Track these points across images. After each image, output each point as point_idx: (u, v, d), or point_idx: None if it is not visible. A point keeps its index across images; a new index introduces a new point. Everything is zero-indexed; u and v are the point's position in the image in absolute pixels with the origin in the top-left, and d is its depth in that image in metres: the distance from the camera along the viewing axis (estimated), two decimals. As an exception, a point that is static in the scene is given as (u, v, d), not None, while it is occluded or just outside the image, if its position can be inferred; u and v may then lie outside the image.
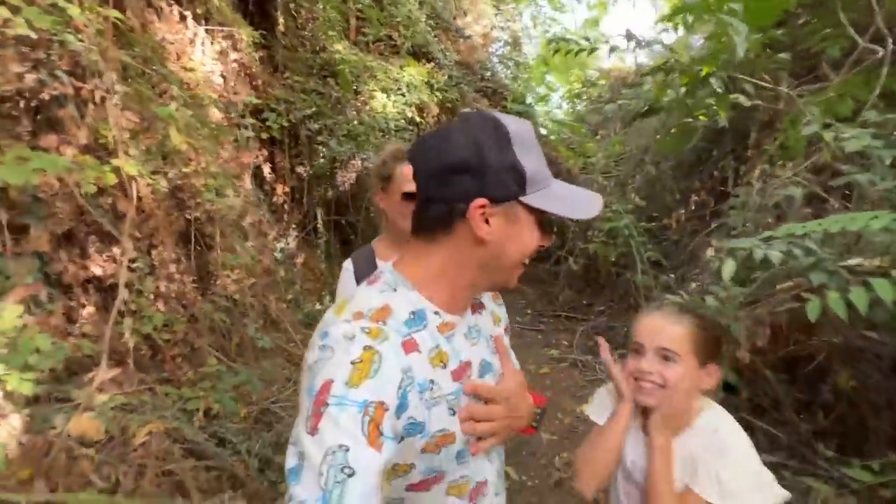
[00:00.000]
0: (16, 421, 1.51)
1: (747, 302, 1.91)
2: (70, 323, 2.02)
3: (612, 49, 2.13)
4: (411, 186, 1.16)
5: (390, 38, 5.44)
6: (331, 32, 4.65)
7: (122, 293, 1.82)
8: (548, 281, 5.92)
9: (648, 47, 2.37)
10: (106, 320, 2.29)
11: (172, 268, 2.77)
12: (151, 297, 2.54)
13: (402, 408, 0.61)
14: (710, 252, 2.05)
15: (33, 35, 1.65)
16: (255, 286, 3.54)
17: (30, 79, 1.83)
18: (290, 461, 0.56)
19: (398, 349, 0.63)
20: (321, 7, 4.47)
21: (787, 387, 2.49)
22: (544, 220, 0.70)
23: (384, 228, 1.36)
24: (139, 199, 2.45)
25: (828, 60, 2.78)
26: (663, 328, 0.88)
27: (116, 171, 1.65)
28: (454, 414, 0.68)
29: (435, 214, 0.67)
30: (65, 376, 2.03)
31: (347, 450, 0.53)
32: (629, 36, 2.03)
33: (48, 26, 1.52)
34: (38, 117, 2.02)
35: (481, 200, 0.65)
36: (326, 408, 0.55)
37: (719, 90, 1.80)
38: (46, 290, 1.86)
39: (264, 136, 3.90)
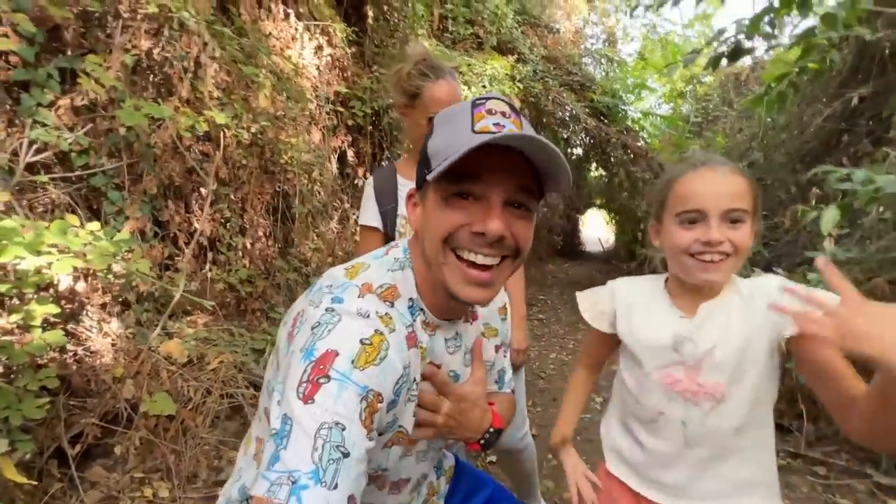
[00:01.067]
0: (116, 325, 1.78)
1: (865, 276, 1.55)
2: (171, 260, 2.34)
3: (715, 63, 1.84)
4: (438, 108, 1.06)
5: (476, 35, 5.53)
6: (419, 30, 4.87)
7: (206, 213, 2.05)
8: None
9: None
10: (201, 267, 2.64)
11: (260, 231, 3.09)
12: (240, 253, 2.86)
13: (393, 403, 0.59)
14: (804, 208, 1.69)
15: (157, 11, 1.97)
16: (333, 263, 3.79)
17: (156, 52, 2.19)
18: (276, 423, 0.52)
19: (403, 342, 0.61)
20: (410, 6, 4.71)
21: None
22: (456, 194, 0.60)
23: (408, 145, 1.29)
24: (237, 169, 2.80)
25: None
26: (727, 186, 0.72)
27: (207, 121, 1.88)
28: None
29: None
30: (163, 311, 2.37)
31: (344, 429, 0.50)
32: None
33: (168, 1, 1.79)
34: (162, 88, 2.41)
35: (411, 190, 0.69)
36: (328, 381, 0.52)
37: (833, 30, 1.49)
38: (152, 228, 2.18)
39: (350, 122, 4.19)
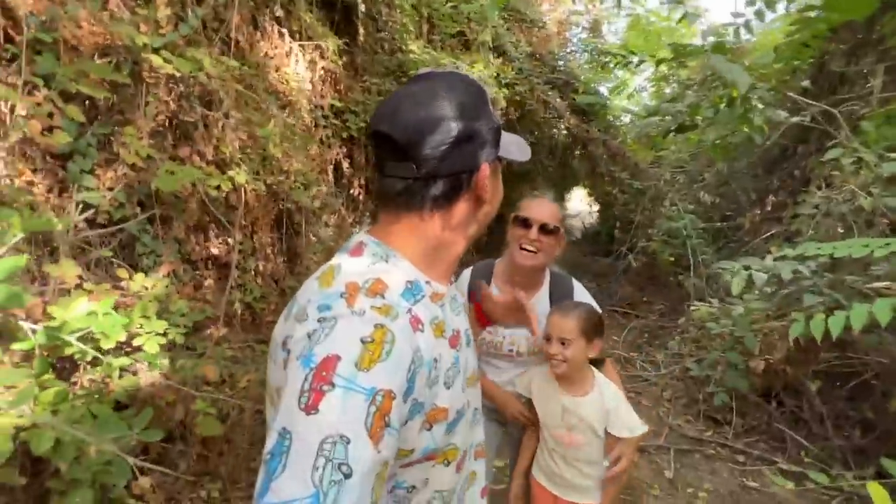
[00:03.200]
0: (165, 361, 2.12)
1: (775, 315, 1.96)
2: (196, 291, 2.65)
3: (659, 62, 2.20)
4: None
5: (462, 34, 5.66)
6: (406, 35, 5.00)
7: (234, 272, 2.36)
8: (609, 275, 5.92)
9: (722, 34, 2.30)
10: (222, 290, 2.95)
11: (269, 250, 3.39)
12: (252, 273, 3.17)
13: (409, 391, 0.57)
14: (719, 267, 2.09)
15: (178, 74, 2.20)
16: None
17: (174, 105, 2.42)
18: (271, 439, 0.49)
19: (408, 328, 0.60)
20: (398, 12, 4.83)
21: (833, 402, 2.44)
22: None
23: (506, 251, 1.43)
24: (246, 194, 3.06)
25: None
26: (561, 323, 1.28)
27: (231, 179, 2.16)
28: (449, 388, 0.66)
29: (441, 191, 0.66)
30: (192, 331, 2.70)
31: (348, 442, 0.48)
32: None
33: (188, 70, 2.03)
34: (178, 133, 2.64)
35: (486, 167, 0.68)
36: (332, 388, 0.50)
37: (759, 105, 1.83)
38: (182, 266, 2.48)
39: (344, 135, 4.41)
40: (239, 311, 2.80)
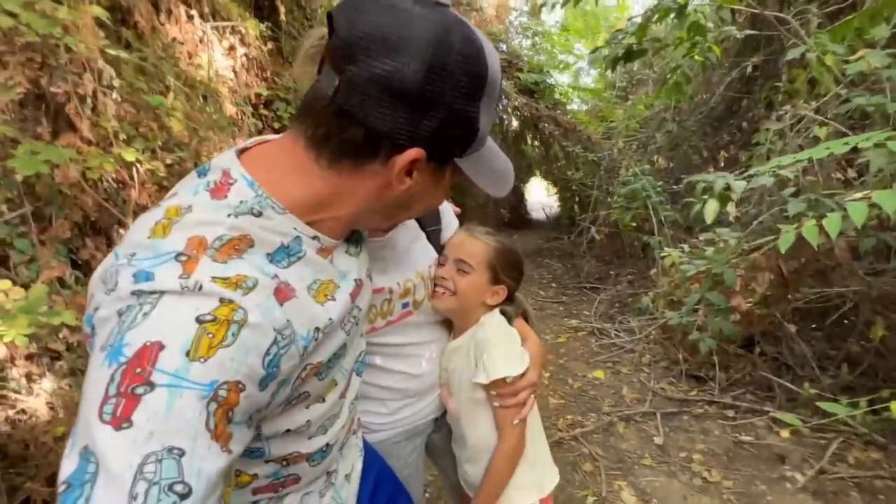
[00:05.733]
0: (48, 383, 1.72)
1: (751, 248, 1.79)
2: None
3: (593, 50, 2.01)
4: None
5: (399, 18, 5.44)
6: (337, 18, 4.72)
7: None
8: (575, 254, 5.80)
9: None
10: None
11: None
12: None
13: (270, 377, 0.44)
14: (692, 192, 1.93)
15: (38, 40, 1.81)
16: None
17: (44, 81, 2.02)
18: (68, 465, 0.35)
19: (270, 300, 0.44)
20: (325, -7, 4.53)
21: (814, 343, 2.32)
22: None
23: None
24: (160, 190, 2.66)
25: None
26: (464, 243, 0.95)
27: (116, 158, 1.79)
28: (329, 339, 0.54)
29: (349, 138, 0.48)
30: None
31: (182, 454, 0.35)
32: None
33: (44, 29, 1.66)
34: (59, 118, 2.23)
35: (416, 152, 0.48)
36: (151, 390, 0.36)
37: (710, 24, 1.67)
38: (72, 273, 2.07)
39: (276, 125, 4.05)
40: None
